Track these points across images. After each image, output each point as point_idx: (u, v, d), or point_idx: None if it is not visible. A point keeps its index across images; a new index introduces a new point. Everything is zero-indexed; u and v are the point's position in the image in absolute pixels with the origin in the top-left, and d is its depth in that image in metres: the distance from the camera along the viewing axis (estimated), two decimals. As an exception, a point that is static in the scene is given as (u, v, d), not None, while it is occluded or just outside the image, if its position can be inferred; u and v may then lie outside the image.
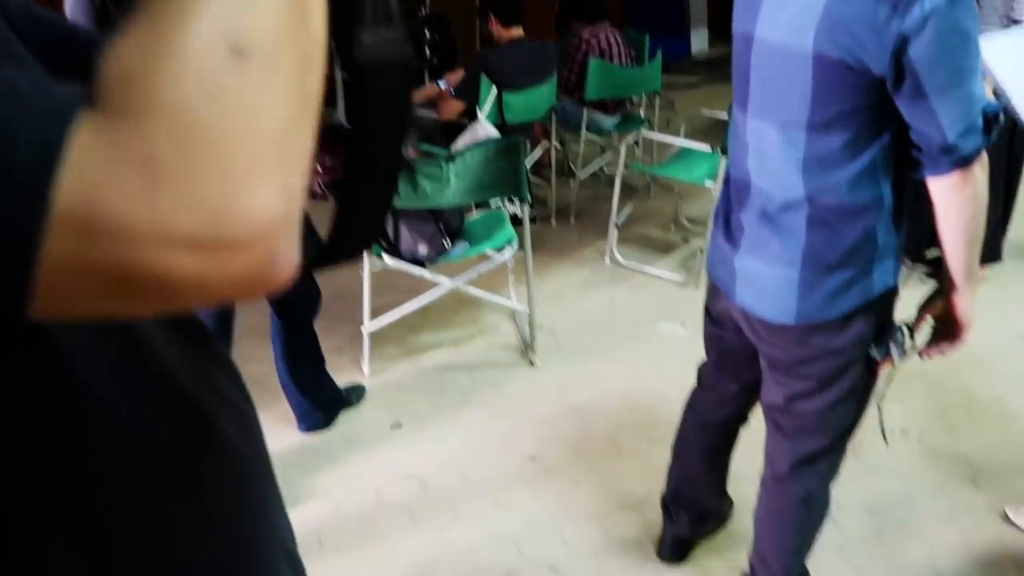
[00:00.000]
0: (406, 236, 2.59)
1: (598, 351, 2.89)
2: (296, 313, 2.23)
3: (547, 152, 4.17)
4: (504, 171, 2.46)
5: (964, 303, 1.32)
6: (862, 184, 1.21)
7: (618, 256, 3.56)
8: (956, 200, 1.18)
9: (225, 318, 1.96)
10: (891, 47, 1.08)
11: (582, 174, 4.20)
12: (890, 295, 1.32)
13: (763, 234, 1.32)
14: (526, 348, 2.89)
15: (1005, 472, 2.21)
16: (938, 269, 3.89)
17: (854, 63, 1.12)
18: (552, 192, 4.07)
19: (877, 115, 1.17)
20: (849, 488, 2.14)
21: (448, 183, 2.40)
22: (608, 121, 4.14)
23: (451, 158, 2.39)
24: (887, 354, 1.33)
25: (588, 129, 4.02)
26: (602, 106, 4.05)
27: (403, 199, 2.43)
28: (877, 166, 1.20)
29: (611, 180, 3.61)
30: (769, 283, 1.33)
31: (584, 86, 3.83)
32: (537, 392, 2.65)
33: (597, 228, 3.84)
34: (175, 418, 0.52)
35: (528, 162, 3.49)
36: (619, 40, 4.06)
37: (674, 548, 1.91)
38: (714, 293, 1.55)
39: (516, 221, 3.62)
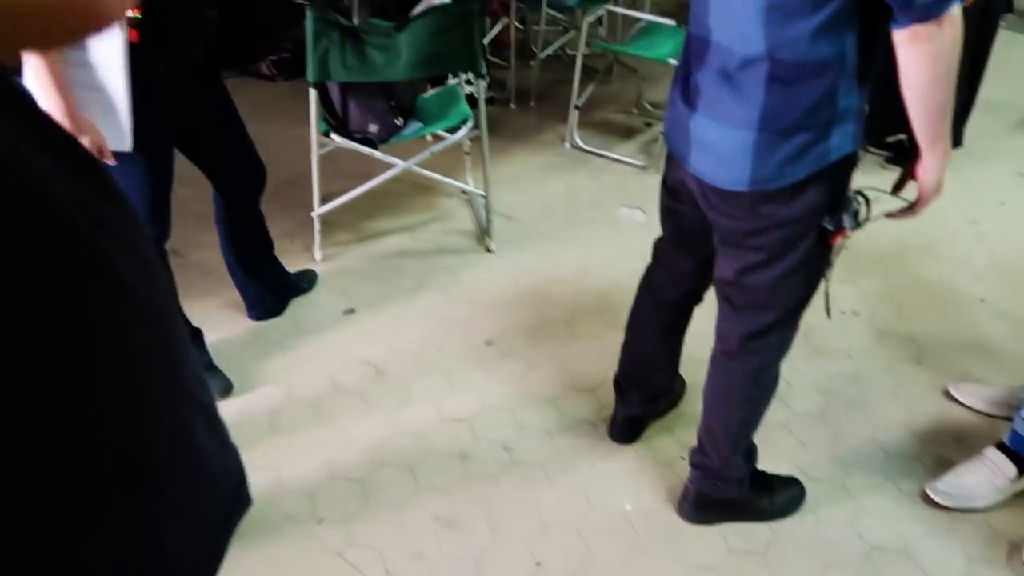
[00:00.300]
0: (355, 113, 2.45)
1: (556, 236, 2.85)
2: (240, 192, 2.11)
3: (506, 29, 3.97)
4: (458, 42, 2.32)
5: (925, 173, 1.29)
6: (824, 38, 1.15)
7: (578, 140, 3.46)
8: (914, 56, 1.12)
9: (160, 197, 1.85)
10: None
11: (543, 55, 4.02)
12: (847, 163, 1.28)
13: (721, 94, 1.26)
14: (482, 233, 2.82)
15: (949, 351, 2.27)
16: (898, 154, 3.88)
17: None
18: (511, 74, 3.90)
19: None
20: (799, 368, 2.19)
21: (399, 54, 2.25)
22: (571, -4, 3.93)
23: (401, 27, 2.23)
24: (840, 225, 1.31)
25: (549, 6, 3.82)
26: (564, -20, 3.83)
27: (351, 71, 2.28)
28: (841, 18, 1.13)
29: (573, 62, 3.46)
30: (724, 147, 1.28)
31: (545, -43, 3.61)
32: (493, 277, 2.61)
33: (557, 112, 3.71)
34: (51, 240, 0.46)
35: (486, 40, 3.32)
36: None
37: (625, 428, 1.93)
38: (670, 162, 1.51)
39: (474, 103, 3.49)
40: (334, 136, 2.50)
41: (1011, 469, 1.73)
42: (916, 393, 2.11)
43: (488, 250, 2.74)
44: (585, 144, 3.45)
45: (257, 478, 1.95)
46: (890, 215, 1.37)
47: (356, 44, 2.24)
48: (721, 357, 1.57)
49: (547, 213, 3.00)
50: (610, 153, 3.40)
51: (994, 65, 3.18)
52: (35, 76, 1.40)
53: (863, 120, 1.29)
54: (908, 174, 1.35)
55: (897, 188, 1.38)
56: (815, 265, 1.40)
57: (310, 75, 2.28)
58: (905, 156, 3.78)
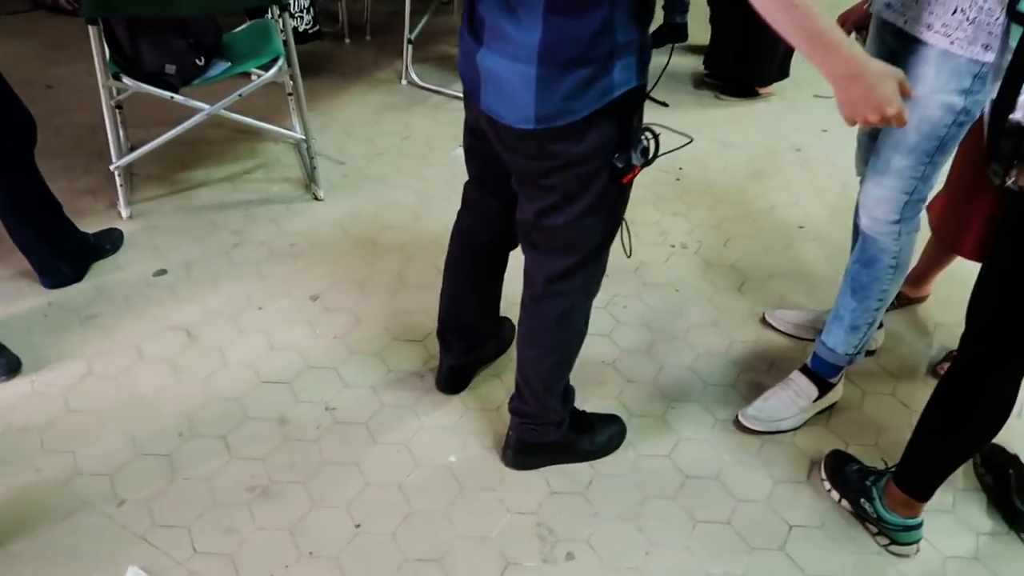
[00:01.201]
0: (147, 52, 2.21)
1: (388, 180, 2.72)
2: (3, 146, 1.86)
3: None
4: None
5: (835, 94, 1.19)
6: None
7: (414, 76, 3.31)
8: None
9: None
10: None
11: (378, -16, 3.80)
12: (632, 98, 1.23)
13: (503, 27, 1.19)
14: (309, 181, 2.66)
15: (768, 278, 2.34)
16: (730, 84, 3.91)
17: None
18: (343, 5, 3.67)
19: None
20: (628, 304, 2.20)
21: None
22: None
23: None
24: (630, 163, 1.27)
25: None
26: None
27: (137, 4, 2.04)
28: None
29: (408, -9, 3.28)
30: (509, 83, 1.22)
31: None
32: (321, 227, 2.47)
33: (395, 46, 3.53)
34: None
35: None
36: None
37: (451, 378, 1.88)
38: (467, 100, 1.43)
39: (305, 38, 3.26)
40: (126, 79, 2.25)
41: (813, 390, 1.81)
42: (735, 322, 2.17)
43: (316, 198, 2.59)
44: (422, 80, 3.31)
45: (49, 463, 1.77)
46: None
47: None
48: (529, 301, 1.53)
49: (380, 155, 2.87)
50: (448, 90, 3.28)
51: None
52: None
53: (647, 55, 1.25)
54: None
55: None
56: (612, 204, 1.37)
57: (85, 8, 2.02)
58: (737, 87, 3.83)
